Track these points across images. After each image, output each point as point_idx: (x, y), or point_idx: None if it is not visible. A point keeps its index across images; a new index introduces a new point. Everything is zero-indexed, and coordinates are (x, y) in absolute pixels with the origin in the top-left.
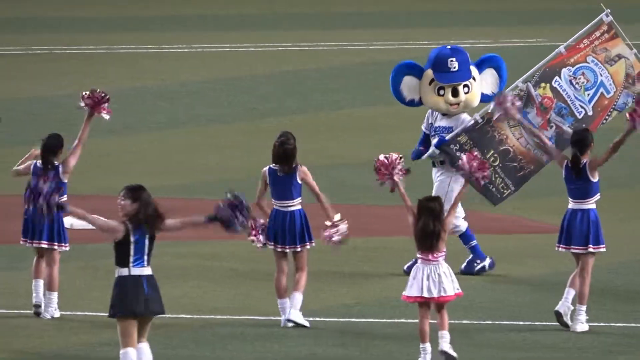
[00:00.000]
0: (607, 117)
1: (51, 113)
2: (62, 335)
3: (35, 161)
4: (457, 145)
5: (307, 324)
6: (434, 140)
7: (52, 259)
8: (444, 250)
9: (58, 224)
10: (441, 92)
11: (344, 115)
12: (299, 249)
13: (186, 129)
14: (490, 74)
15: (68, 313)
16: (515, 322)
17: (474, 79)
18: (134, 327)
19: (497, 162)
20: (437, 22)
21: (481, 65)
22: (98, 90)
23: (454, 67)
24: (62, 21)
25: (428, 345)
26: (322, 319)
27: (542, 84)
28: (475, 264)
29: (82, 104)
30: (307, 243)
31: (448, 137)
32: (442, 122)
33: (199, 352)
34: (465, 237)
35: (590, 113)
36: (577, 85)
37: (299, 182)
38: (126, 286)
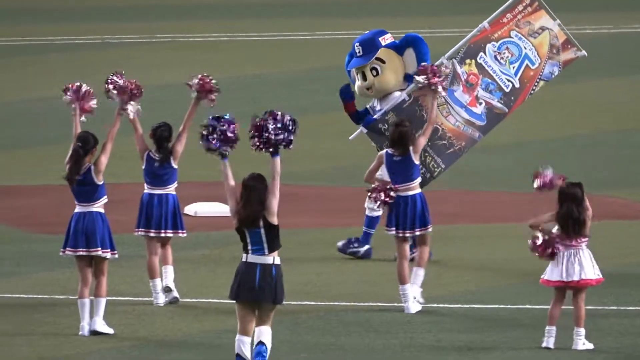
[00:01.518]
0: (534, 88)
1: (178, 100)
2: (186, 322)
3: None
4: (386, 125)
5: (422, 301)
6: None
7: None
8: (588, 235)
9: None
10: (358, 77)
11: None
12: (418, 233)
13: (308, 116)
14: (409, 55)
15: (192, 300)
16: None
17: (382, 61)
18: (249, 313)
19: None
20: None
21: (400, 48)
22: (209, 77)
23: (359, 52)
24: (185, 8)
25: (554, 329)
26: (445, 306)
27: (467, 61)
28: (353, 246)
29: (192, 85)
30: (429, 226)
31: (376, 115)
32: (377, 105)
33: (324, 339)
34: (371, 221)
35: (517, 85)
36: (501, 60)
37: (416, 162)
38: (240, 273)
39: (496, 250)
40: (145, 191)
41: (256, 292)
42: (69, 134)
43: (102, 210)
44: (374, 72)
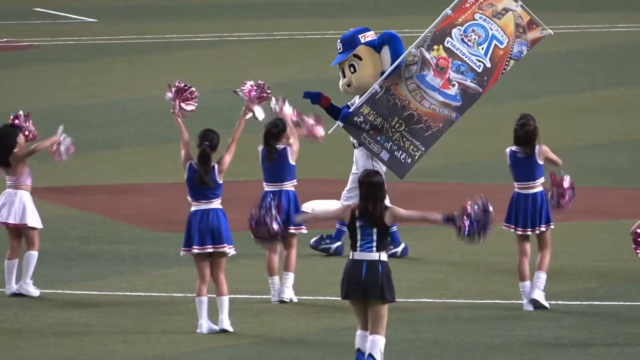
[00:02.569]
0: (505, 67)
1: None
2: (305, 319)
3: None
4: (361, 117)
5: (547, 305)
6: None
7: (289, 243)
8: None
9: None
10: (340, 74)
11: (586, 98)
12: (543, 229)
13: None
14: (385, 52)
15: (311, 298)
16: None
17: (359, 58)
18: (360, 310)
19: (402, 127)
20: None
21: (378, 45)
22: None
23: (340, 49)
24: (299, 6)
25: None
26: (564, 302)
27: (435, 47)
28: (325, 243)
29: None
30: (551, 224)
31: (351, 109)
32: (356, 100)
33: (442, 336)
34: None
35: (488, 65)
36: (469, 42)
37: (540, 162)
38: (348, 270)
39: (624, 248)
40: (266, 189)
41: (362, 289)
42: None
43: (221, 207)
44: (352, 69)
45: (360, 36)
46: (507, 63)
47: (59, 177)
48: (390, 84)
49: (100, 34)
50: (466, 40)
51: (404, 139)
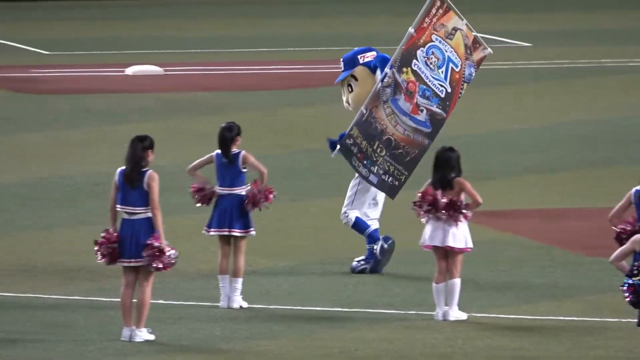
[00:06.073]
0: (461, 91)
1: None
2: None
3: None
4: (351, 140)
5: None
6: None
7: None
8: None
9: None
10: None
11: None
12: None
13: None
14: (378, 74)
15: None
16: None
17: (355, 78)
18: None
19: (384, 152)
20: None
21: (374, 67)
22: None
23: (342, 68)
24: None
25: None
26: None
27: (404, 69)
28: (360, 264)
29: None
30: None
31: (346, 132)
32: None
33: None
34: (369, 235)
35: (449, 90)
36: (431, 65)
37: None
38: None
39: None
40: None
41: None
42: None
43: None
44: (350, 89)
45: (359, 56)
46: (462, 87)
47: (491, 201)
48: (372, 106)
49: (535, 58)
50: (428, 63)
51: (388, 163)
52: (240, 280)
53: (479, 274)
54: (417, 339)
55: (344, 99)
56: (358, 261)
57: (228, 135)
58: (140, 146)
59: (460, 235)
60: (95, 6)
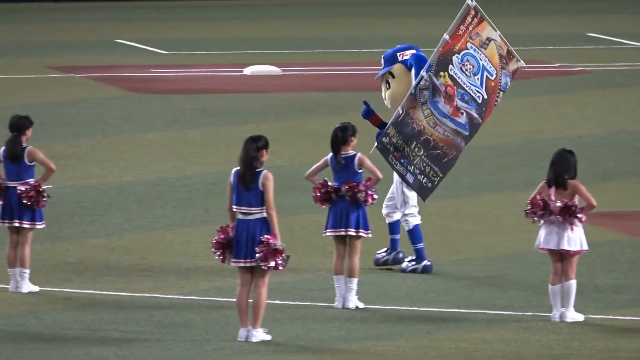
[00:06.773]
0: (497, 99)
1: None
2: None
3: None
4: (387, 139)
5: None
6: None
7: None
8: None
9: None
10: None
11: None
12: None
13: None
14: (414, 72)
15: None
16: None
17: (392, 75)
18: None
19: (422, 152)
20: None
21: (410, 66)
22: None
23: (382, 64)
24: None
25: None
26: None
27: (441, 73)
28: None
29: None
30: None
31: (383, 130)
32: None
33: None
34: (413, 235)
35: (485, 97)
36: (466, 72)
37: None
38: None
39: None
40: None
41: None
42: None
43: None
44: (387, 85)
45: (399, 54)
46: (498, 95)
47: (608, 202)
48: (409, 107)
49: None
50: (464, 70)
51: (424, 164)
52: (355, 280)
53: (596, 275)
54: (534, 340)
55: (383, 95)
56: (409, 261)
57: (340, 135)
58: (254, 147)
59: (575, 238)
60: (214, 6)
